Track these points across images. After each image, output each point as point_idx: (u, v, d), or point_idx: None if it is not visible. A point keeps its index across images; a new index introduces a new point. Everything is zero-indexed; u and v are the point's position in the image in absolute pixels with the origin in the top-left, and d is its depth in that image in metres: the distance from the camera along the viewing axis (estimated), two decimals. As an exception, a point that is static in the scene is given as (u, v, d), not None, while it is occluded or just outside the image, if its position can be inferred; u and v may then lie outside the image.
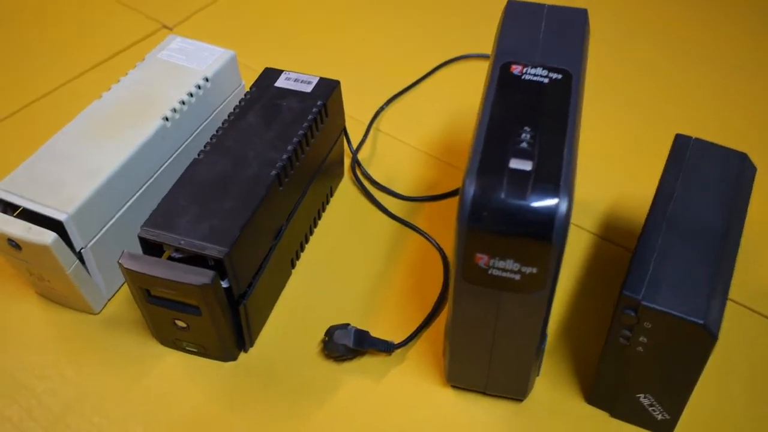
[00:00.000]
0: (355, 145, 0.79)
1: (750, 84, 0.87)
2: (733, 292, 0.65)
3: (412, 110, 0.84)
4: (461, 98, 0.85)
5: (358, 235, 0.70)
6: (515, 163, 0.46)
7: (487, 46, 0.92)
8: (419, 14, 0.98)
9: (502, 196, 0.45)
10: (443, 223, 0.71)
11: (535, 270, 0.46)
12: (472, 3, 1.00)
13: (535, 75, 0.51)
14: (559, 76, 0.51)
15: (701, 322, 0.47)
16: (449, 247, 0.69)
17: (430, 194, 0.74)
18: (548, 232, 0.44)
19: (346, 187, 0.75)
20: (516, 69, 0.52)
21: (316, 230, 0.71)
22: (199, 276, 0.53)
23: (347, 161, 0.77)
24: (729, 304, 0.64)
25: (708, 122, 0.82)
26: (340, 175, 0.75)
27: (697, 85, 0.87)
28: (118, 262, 0.55)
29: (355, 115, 0.83)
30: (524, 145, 0.47)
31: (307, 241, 0.69)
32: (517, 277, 0.47)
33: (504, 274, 0.47)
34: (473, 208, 0.45)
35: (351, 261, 0.68)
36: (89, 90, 0.86)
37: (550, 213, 0.44)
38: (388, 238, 0.70)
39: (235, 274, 0.56)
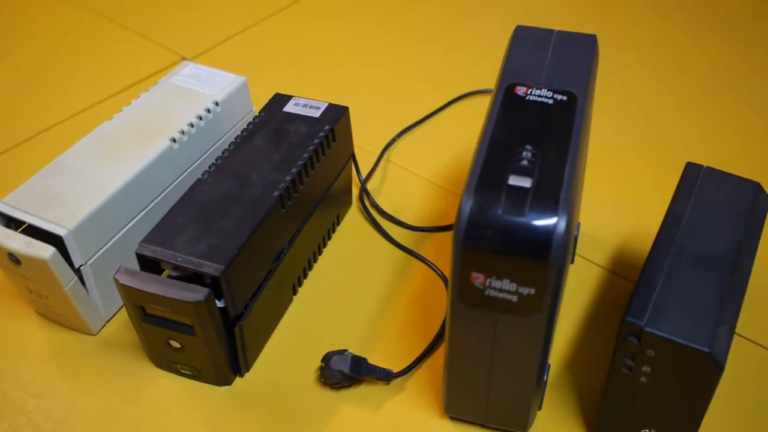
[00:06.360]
0: (364, 175, 0.78)
1: (760, 113, 0.85)
2: (744, 328, 0.63)
3: (424, 143, 0.83)
4: (474, 132, 0.85)
5: (364, 264, 0.69)
6: (514, 180, 0.45)
7: (502, 83, 0.92)
8: (434, 49, 0.98)
9: (499, 212, 0.43)
10: (449, 253, 0.70)
11: (532, 291, 0.45)
12: (487, 38, 1.00)
13: (539, 96, 0.51)
14: (564, 98, 0.50)
15: (707, 350, 0.45)
16: (455, 277, 0.67)
17: (437, 225, 0.73)
18: (546, 250, 0.43)
19: (353, 216, 0.74)
20: (520, 90, 0.51)
21: (320, 258, 0.70)
22: (194, 293, 0.53)
23: (356, 190, 0.77)
24: (740, 341, 0.62)
25: (722, 152, 0.81)
26: (348, 203, 0.75)
27: (711, 114, 0.85)
28: (114, 277, 0.54)
29: (366, 146, 0.82)
30: (524, 162, 0.46)
31: (310, 267, 0.68)
32: (515, 298, 0.45)
33: (501, 295, 0.46)
34: (469, 225, 0.44)
35: (354, 289, 0.67)
36: (106, 116, 0.87)
37: (548, 231, 0.43)
38: (393, 268, 0.69)
39: (232, 293, 0.55)
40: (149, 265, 0.56)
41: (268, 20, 1.04)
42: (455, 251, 0.45)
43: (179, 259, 0.54)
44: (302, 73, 0.94)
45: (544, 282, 0.44)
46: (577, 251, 0.70)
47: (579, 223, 0.68)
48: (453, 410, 0.56)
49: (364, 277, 0.68)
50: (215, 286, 0.54)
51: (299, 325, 0.64)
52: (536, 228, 0.43)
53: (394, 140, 0.83)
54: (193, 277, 0.55)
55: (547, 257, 0.43)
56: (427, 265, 0.69)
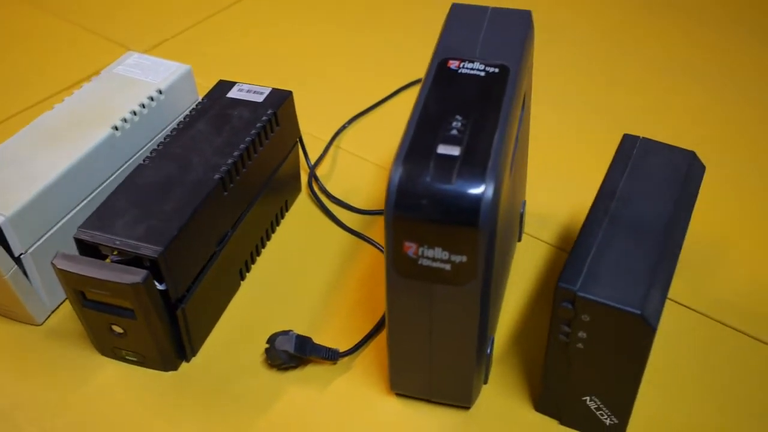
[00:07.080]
0: (313, 161, 0.78)
1: (697, 84, 0.87)
2: (680, 293, 0.64)
3: (374, 129, 0.83)
4: (424, 118, 0.85)
5: (313, 249, 0.69)
6: (443, 149, 0.45)
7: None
8: (382, 37, 0.98)
9: (428, 180, 0.44)
10: (399, 235, 0.70)
11: (464, 258, 0.45)
12: (436, 25, 1.00)
13: (472, 69, 0.51)
14: (496, 70, 0.51)
15: (638, 312, 0.45)
16: (404, 258, 0.68)
17: (387, 208, 0.73)
18: (474, 217, 0.43)
19: (303, 202, 0.74)
20: (453, 64, 0.52)
21: (269, 243, 0.70)
22: (132, 275, 0.52)
23: (305, 176, 0.77)
24: (677, 308, 0.63)
25: (662, 124, 0.83)
26: (297, 189, 0.75)
27: (649, 88, 0.87)
28: (51, 262, 0.54)
29: (316, 133, 0.82)
30: (454, 132, 0.46)
31: (258, 253, 0.68)
32: (448, 267, 0.46)
33: (434, 264, 0.46)
34: (399, 194, 0.44)
35: (303, 273, 0.67)
36: (54, 112, 0.87)
37: (476, 198, 0.43)
38: (342, 251, 0.69)
39: (172, 275, 0.54)
40: (89, 250, 0.55)
41: (219, 15, 1.04)
42: (387, 221, 0.45)
43: (118, 242, 0.54)
44: (253, 66, 0.94)
45: (476, 249, 0.44)
46: (525, 229, 0.70)
47: (524, 201, 0.69)
48: (398, 386, 0.56)
49: (313, 261, 0.68)
50: (155, 268, 0.54)
51: (247, 309, 0.64)
52: (465, 195, 0.43)
53: (344, 127, 0.83)
54: (134, 261, 0.55)
55: (476, 223, 0.43)
56: (376, 247, 0.69)
